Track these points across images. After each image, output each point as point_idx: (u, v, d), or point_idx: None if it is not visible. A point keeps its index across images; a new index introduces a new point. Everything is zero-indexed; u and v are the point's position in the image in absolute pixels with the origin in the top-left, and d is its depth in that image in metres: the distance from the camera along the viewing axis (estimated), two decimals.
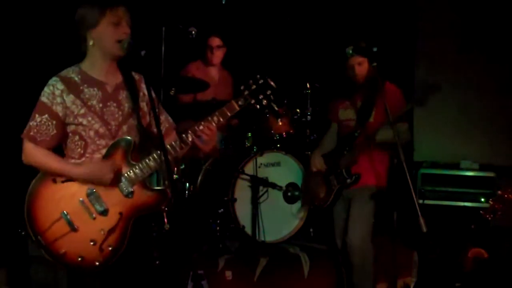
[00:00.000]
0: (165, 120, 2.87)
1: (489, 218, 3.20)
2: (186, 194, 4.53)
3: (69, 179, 2.59)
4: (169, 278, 3.70)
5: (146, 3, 4.80)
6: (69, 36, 2.69)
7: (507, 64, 5.55)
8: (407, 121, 3.90)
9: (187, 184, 4.54)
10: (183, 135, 2.68)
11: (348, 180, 3.84)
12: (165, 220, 3.86)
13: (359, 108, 3.90)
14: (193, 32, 4.19)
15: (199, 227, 4.43)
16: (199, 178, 4.56)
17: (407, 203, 3.59)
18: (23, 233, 3.85)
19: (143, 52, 2.55)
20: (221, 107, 2.74)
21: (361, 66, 3.82)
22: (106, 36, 2.58)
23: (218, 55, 5.01)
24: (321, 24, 5.71)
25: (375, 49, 3.56)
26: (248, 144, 4.75)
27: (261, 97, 2.74)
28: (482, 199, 5.17)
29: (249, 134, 4.77)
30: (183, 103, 4.83)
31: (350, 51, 3.66)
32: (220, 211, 4.35)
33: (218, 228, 4.33)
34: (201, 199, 4.52)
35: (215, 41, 4.96)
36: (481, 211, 3.27)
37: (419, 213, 2.99)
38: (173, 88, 4.50)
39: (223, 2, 5.21)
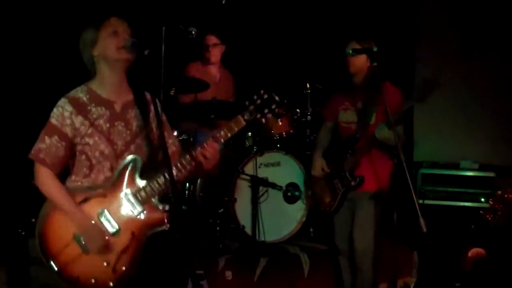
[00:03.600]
0: (172, 143, 2.87)
1: (489, 218, 3.20)
2: (186, 194, 4.54)
3: (81, 201, 2.60)
4: (169, 278, 3.70)
5: (146, 3, 4.81)
6: (77, 56, 2.73)
7: (507, 64, 5.55)
8: (403, 122, 3.87)
9: (187, 184, 4.55)
10: (192, 152, 2.67)
11: (353, 183, 3.81)
12: (165, 220, 3.86)
13: (359, 110, 3.88)
14: (193, 32, 4.17)
15: (199, 227, 4.43)
16: (199, 178, 4.56)
17: (407, 203, 3.60)
18: (23, 233, 3.86)
19: (146, 51, 2.55)
20: (228, 123, 2.73)
21: (355, 56, 3.74)
22: (107, 46, 2.62)
23: (215, 53, 5.00)
24: (321, 24, 5.71)
25: (375, 49, 3.55)
26: (248, 144, 4.75)
27: (266, 111, 2.74)
28: (482, 199, 5.16)
29: (249, 134, 4.78)
30: (183, 103, 4.83)
31: (350, 51, 3.65)
32: (220, 211, 4.35)
33: (218, 228, 4.33)
34: (201, 199, 4.52)
35: (211, 39, 4.96)
36: (481, 211, 3.26)
37: (419, 213, 2.98)
38: (173, 88, 4.50)
39: (223, 2, 5.21)
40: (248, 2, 5.63)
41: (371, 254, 3.84)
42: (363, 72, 3.81)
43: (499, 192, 3.23)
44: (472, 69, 5.67)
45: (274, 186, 4.46)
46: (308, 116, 4.89)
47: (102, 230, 2.58)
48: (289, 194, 4.55)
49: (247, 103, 2.75)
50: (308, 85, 4.94)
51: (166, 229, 3.63)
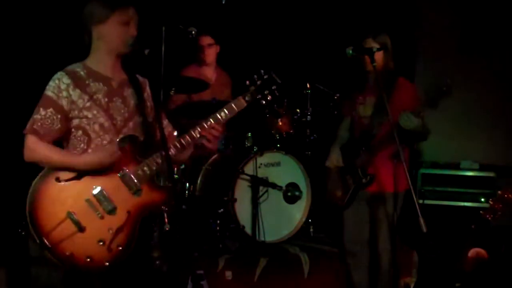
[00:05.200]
0: (167, 124, 2.88)
1: (489, 218, 3.20)
2: (186, 194, 4.54)
3: (74, 178, 2.54)
4: (169, 278, 3.71)
5: (146, 3, 4.80)
6: (73, 32, 2.68)
7: (507, 64, 5.55)
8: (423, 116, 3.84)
9: (187, 184, 4.55)
10: (191, 131, 2.67)
11: (364, 180, 3.78)
12: (166, 220, 3.86)
13: (375, 106, 3.84)
14: (193, 32, 4.18)
15: (199, 227, 4.43)
16: (199, 178, 4.56)
17: (407, 203, 3.60)
18: (23, 233, 3.86)
19: (147, 51, 2.55)
20: (229, 103, 2.74)
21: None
22: (114, 34, 2.58)
23: (210, 54, 4.99)
24: (321, 24, 5.71)
25: (375, 50, 3.54)
26: (248, 144, 4.76)
27: (266, 92, 2.76)
28: (482, 199, 5.17)
29: (249, 134, 4.78)
30: (176, 104, 4.77)
31: (350, 51, 3.64)
32: (220, 211, 4.35)
33: (218, 228, 4.34)
34: (201, 199, 4.52)
35: (206, 40, 4.95)
36: (481, 211, 3.26)
37: (419, 213, 2.98)
38: (173, 88, 4.50)
39: (223, 2, 5.22)
40: (248, 2, 5.63)
41: (390, 253, 3.84)
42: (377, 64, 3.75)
43: (499, 192, 3.22)
44: (472, 69, 5.67)
45: (274, 186, 4.46)
46: (308, 116, 4.89)
47: (109, 149, 2.54)
48: (289, 194, 4.56)
49: (247, 82, 2.76)
50: (308, 85, 4.94)
51: (166, 229, 3.63)
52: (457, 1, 5.73)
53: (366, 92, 3.88)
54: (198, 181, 4.55)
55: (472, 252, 3.36)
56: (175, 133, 2.90)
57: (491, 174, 5.30)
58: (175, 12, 5.08)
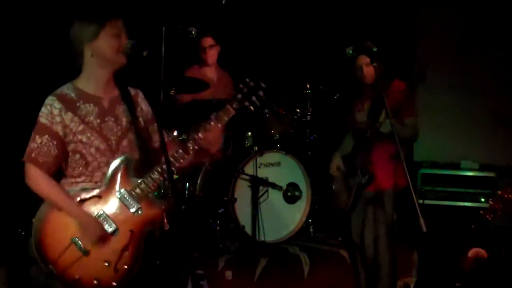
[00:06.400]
0: (158, 140, 2.84)
1: (489, 218, 3.20)
2: (186, 194, 4.54)
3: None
4: (169, 278, 3.70)
5: (146, 3, 4.81)
6: (64, 53, 2.67)
7: (507, 64, 5.55)
8: (416, 115, 3.89)
9: (187, 184, 4.54)
10: (186, 145, 2.67)
11: (363, 180, 3.85)
12: (165, 220, 3.86)
13: (369, 110, 3.91)
14: (193, 32, 4.18)
15: (199, 227, 4.43)
16: (199, 178, 4.56)
17: (407, 203, 3.60)
18: (23, 233, 3.86)
19: (145, 52, 2.54)
20: (217, 112, 2.74)
21: (369, 67, 3.81)
22: (108, 47, 2.57)
23: (211, 55, 5.01)
24: (321, 24, 5.71)
25: (375, 50, 3.55)
26: (248, 144, 4.75)
27: (253, 98, 2.75)
28: (482, 199, 5.17)
29: (249, 134, 4.78)
30: (182, 102, 4.81)
31: (350, 51, 3.65)
32: (220, 211, 4.35)
33: (218, 228, 4.33)
34: (201, 199, 4.52)
35: (207, 41, 4.97)
36: (481, 211, 3.26)
37: (419, 213, 2.98)
38: (173, 88, 4.50)
39: (223, 2, 5.22)
40: (248, 2, 5.63)
41: (389, 251, 3.87)
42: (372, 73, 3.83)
43: (499, 192, 3.23)
44: (472, 68, 5.67)
45: (274, 186, 4.45)
46: (308, 116, 4.89)
47: (100, 223, 2.56)
48: (289, 194, 4.55)
49: (233, 92, 2.76)
50: (308, 85, 4.94)
51: (166, 229, 3.63)
52: (457, 0, 5.73)
53: (363, 98, 3.95)
54: (198, 181, 4.55)
55: (472, 252, 3.36)
56: (172, 136, 2.89)
57: (491, 174, 5.31)
58: (175, 12, 5.08)
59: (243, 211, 4.34)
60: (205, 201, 4.50)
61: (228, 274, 4.02)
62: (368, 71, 3.84)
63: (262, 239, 4.34)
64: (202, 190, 4.54)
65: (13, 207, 4.15)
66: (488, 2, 5.58)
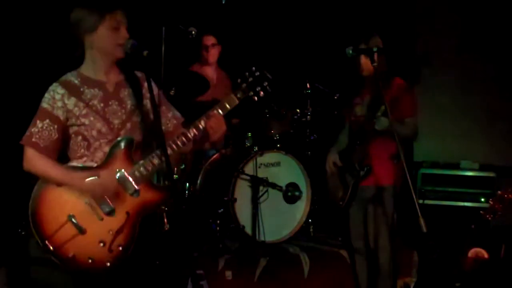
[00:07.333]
0: (173, 116, 2.84)
1: (489, 218, 3.21)
2: (186, 194, 4.54)
3: None
4: (169, 278, 3.71)
5: (146, 3, 4.81)
6: (66, 41, 2.68)
7: (507, 64, 5.55)
8: (416, 114, 3.89)
9: (187, 184, 4.55)
10: (186, 131, 2.68)
11: (361, 172, 3.82)
12: (165, 220, 3.86)
13: (368, 104, 3.90)
14: (193, 32, 4.18)
15: (199, 227, 4.43)
16: (199, 178, 4.56)
17: (407, 203, 3.60)
18: (23, 233, 3.86)
19: (145, 52, 2.55)
20: (221, 100, 2.75)
21: (369, 60, 3.79)
22: (106, 40, 2.58)
23: (213, 54, 5.02)
24: (321, 24, 5.71)
25: (375, 49, 3.55)
26: (248, 144, 4.76)
27: (258, 88, 2.77)
28: (482, 199, 5.17)
29: (249, 134, 4.78)
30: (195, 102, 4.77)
31: (350, 51, 3.65)
32: (220, 211, 4.35)
33: (218, 228, 4.34)
34: (201, 199, 4.52)
35: (210, 40, 4.98)
36: (481, 211, 3.27)
37: (419, 213, 2.98)
38: (173, 89, 4.50)
39: (223, 2, 5.22)
40: (248, 2, 5.63)
41: (389, 250, 3.86)
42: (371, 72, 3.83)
43: (499, 192, 3.23)
44: (472, 69, 5.67)
45: (274, 186, 4.46)
46: (308, 116, 4.89)
47: (108, 174, 2.57)
48: (289, 194, 4.55)
49: (239, 80, 2.77)
50: (308, 85, 4.94)
51: (166, 229, 3.64)
52: (457, 0, 5.73)
53: (363, 94, 3.94)
54: (198, 181, 4.55)
55: (472, 252, 3.37)
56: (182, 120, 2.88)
57: (491, 174, 5.31)
58: (175, 12, 5.08)
59: (243, 211, 4.34)
60: (205, 201, 4.51)
61: (228, 274, 4.02)
62: (366, 62, 3.82)
63: (262, 239, 4.34)
64: (202, 190, 4.54)
65: (13, 207, 4.15)
66: (488, 2, 5.58)
